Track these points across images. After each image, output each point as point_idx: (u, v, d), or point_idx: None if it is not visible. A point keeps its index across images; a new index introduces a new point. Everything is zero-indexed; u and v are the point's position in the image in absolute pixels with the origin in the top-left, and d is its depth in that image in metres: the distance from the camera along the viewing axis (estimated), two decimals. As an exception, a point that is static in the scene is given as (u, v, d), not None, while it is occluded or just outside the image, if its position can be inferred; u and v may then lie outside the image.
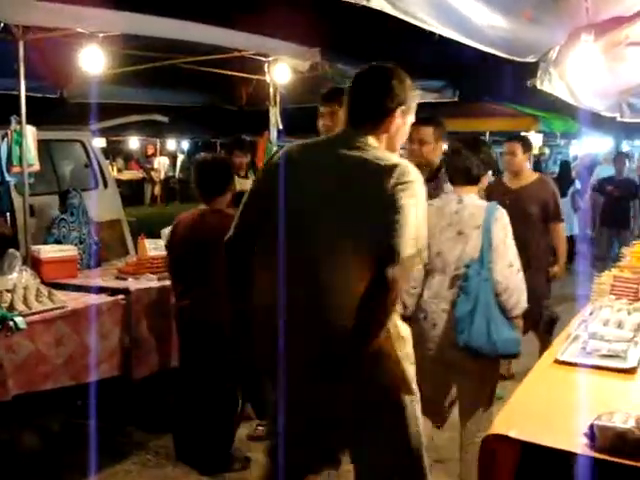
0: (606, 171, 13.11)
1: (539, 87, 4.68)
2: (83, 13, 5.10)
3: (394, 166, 2.72)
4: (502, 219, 3.90)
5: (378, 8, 2.60)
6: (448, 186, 4.15)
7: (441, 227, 3.90)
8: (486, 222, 3.83)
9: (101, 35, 5.69)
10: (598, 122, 13.67)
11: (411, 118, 2.98)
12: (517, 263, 3.89)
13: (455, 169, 4.05)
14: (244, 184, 8.42)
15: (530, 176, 6.66)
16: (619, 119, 7.39)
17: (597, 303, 4.27)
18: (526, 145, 6.71)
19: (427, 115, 4.76)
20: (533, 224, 6.19)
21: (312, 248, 2.79)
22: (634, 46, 4.75)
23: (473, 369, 3.86)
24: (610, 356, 3.32)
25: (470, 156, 3.99)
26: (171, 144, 29.05)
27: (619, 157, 12.16)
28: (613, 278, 4.66)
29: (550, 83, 4.78)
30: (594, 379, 3.11)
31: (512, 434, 2.44)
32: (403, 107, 2.88)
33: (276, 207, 2.79)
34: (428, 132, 4.79)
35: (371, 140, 2.83)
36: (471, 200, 3.96)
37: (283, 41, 5.88)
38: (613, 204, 11.20)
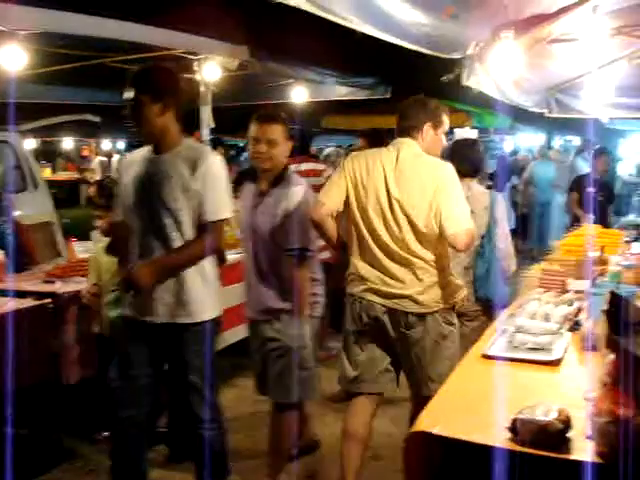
0: (541, 167, 13.34)
1: (464, 83, 4.72)
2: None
3: None
4: (501, 202, 5.00)
5: (294, 5, 2.57)
6: None
7: None
8: (492, 204, 4.84)
9: (22, 33, 5.51)
10: (530, 118, 13.94)
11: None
12: (509, 235, 5.08)
13: (468, 162, 4.79)
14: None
15: None
16: (547, 115, 7.52)
17: (525, 296, 4.32)
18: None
19: (272, 113, 4.43)
20: None
21: None
22: (558, 43, 4.83)
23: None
24: (536, 349, 3.36)
25: (477, 152, 5.15)
26: (106, 144, 28.56)
27: (601, 155, 9.75)
28: (542, 271, 4.73)
29: (476, 79, 4.82)
30: (520, 373, 3.14)
31: (436, 431, 2.43)
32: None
33: None
34: (277, 131, 4.19)
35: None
36: (477, 187, 4.94)
37: (211, 39, 5.79)
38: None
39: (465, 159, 4.84)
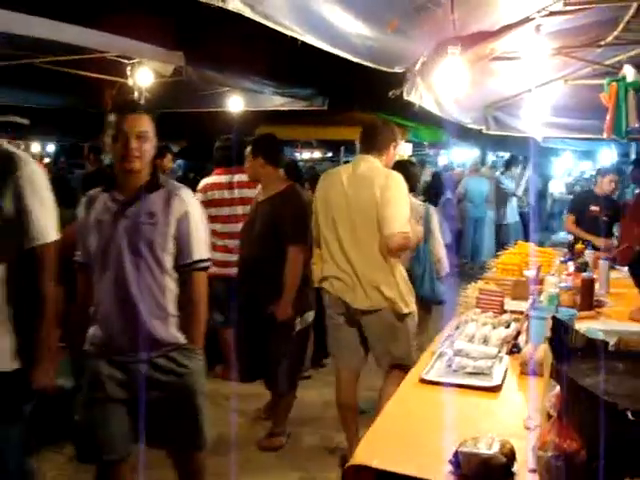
0: (474, 182, 13.42)
1: (406, 98, 4.64)
2: None
3: None
4: (434, 214, 5.83)
5: (235, 10, 2.43)
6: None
7: None
8: (426, 215, 5.64)
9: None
10: (465, 133, 14.05)
11: None
12: (442, 242, 5.86)
13: (406, 179, 4.68)
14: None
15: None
16: (485, 132, 7.53)
17: (463, 317, 4.24)
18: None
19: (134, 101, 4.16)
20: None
21: None
22: (499, 60, 4.80)
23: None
24: (475, 374, 3.28)
25: (414, 171, 6.05)
26: (36, 147, 27.81)
27: (606, 174, 8.55)
28: (479, 291, 4.67)
29: (416, 94, 4.75)
30: (459, 399, 3.05)
31: (375, 464, 2.31)
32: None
33: None
34: (146, 122, 3.34)
35: None
36: (413, 199, 5.24)
37: (145, 43, 5.58)
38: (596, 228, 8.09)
39: (404, 177, 4.74)
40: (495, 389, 3.12)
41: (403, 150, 12.86)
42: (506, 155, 22.41)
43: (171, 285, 3.41)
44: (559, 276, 5.21)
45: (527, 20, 4.01)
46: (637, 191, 9.34)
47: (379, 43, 3.60)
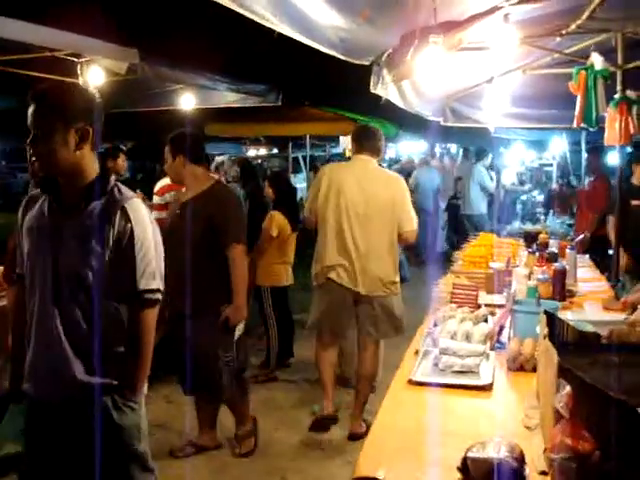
0: (424, 174, 13.41)
1: (373, 91, 4.54)
2: None
3: None
4: None
5: (215, -1, 2.28)
6: None
7: None
8: None
9: None
10: (414, 125, 14.03)
11: None
12: None
13: None
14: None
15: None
16: (442, 123, 7.48)
17: (439, 313, 4.15)
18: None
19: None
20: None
21: None
22: (465, 51, 4.72)
23: None
24: (463, 372, 3.19)
25: None
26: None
27: None
28: (452, 286, 4.59)
29: (382, 87, 4.65)
30: (451, 399, 2.95)
31: (380, 475, 2.20)
32: None
33: None
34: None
35: None
36: None
37: (97, 39, 5.35)
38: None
39: None
40: (486, 388, 3.03)
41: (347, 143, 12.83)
42: (451, 146, 22.64)
43: (106, 317, 2.71)
44: (530, 267, 5.15)
45: (496, 9, 3.93)
46: (591, 179, 9.37)
47: (350, 34, 3.49)
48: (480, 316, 4.04)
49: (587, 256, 6.95)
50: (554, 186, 13.76)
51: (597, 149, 9.09)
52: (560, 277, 4.73)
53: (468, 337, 3.59)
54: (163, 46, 6.00)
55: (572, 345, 2.78)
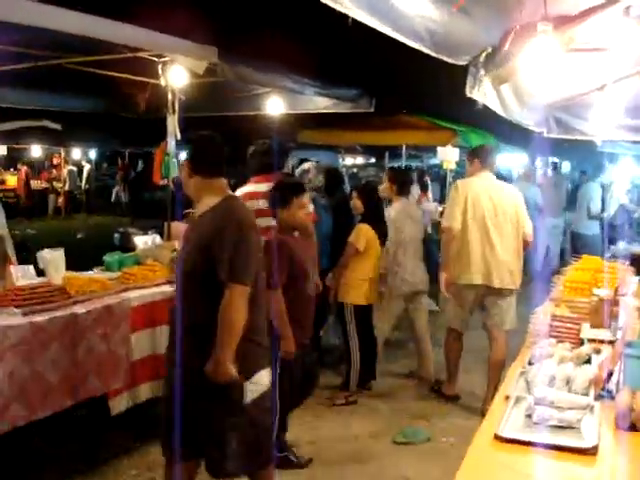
0: (527, 189, 12.72)
1: (468, 95, 4.03)
2: None
3: None
4: None
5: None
6: None
7: None
8: None
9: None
10: (514, 137, 13.33)
11: None
12: None
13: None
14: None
15: None
16: (546, 135, 6.88)
17: (535, 349, 3.63)
18: None
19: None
20: None
21: None
22: (575, 52, 4.17)
23: None
24: (562, 427, 2.67)
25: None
26: (76, 153, 27.64)
27: None
28: (551, 317, 4.04)
29: (480, 91, 4.14)
30: (546, 464, 2.44)
31: None
32: None
33: None
34: None
35: None
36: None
37: (176, 37, 5.04)
38: None
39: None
40: (590, 451, 2.50)
41: (450, 155, 12.21)
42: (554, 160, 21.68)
43: None
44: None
45: (615, 1, 3.39)
46: None
47: (442, 26, 3.01)
48: (583, 355, 3.52)
49: None
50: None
51: None
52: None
53: (569, 382, 3.07)
54: (245, 46, 5.65)
55: None
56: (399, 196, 6.98)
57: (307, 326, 4.79)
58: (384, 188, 7.04)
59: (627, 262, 6.62)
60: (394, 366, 7.28)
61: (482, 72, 3.93)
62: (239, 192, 6.07)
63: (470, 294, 6.12)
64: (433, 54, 3.19)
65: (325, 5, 2.36)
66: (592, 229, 11.51)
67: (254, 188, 5.94)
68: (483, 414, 5.03)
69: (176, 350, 3.52)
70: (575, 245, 11.67)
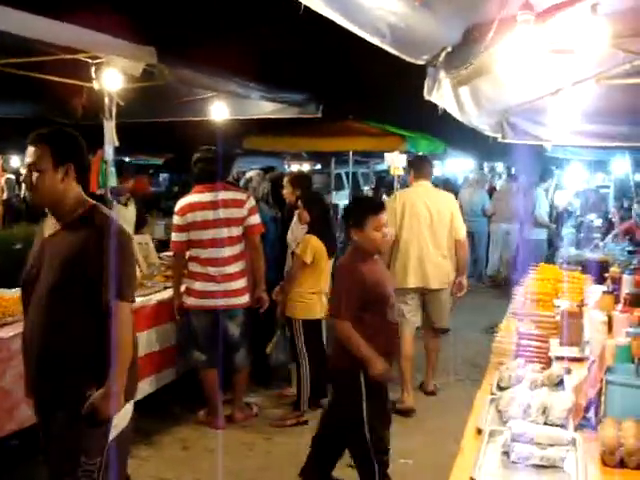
0: (475, 194, 12.61)
1: (427, 97, 3.75)
2: None
3: None
4: None
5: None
6: None
7: None
8: None
9: None
10: (464, 142, 13.20)
11: None
12: None
13: None
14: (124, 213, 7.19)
15: None
16: (500, 140, 6.66)
17: (505, 370, 3.37)
18: None
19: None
20: None
21: None
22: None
23: None
24: (544, 466, 2.40)
25: None
26: (15, 161, 26.75)
27: None
28: (518, 335, 3.79)
29: (439, 93, 3.86)
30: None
31: None
32: None
33: None
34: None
35: None
36: None
37: (109, 36, 4.64)
38: None
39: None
40: (578, 495, 2.23)
41: (397, 161, 11.98)
42: (498, 165, 21.69)
43: None
44: (606, 311, 4.32)
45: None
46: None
47: (404, 21, 2.72)
48: (554, 376, 3.26)
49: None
50: (612, 209, 12.81)
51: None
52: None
53: (545, 411, 2.80)
54: (186, 48, 5.30)
55: None
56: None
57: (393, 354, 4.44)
58: (286, 193, 6.65)
59: (579, 268, 6.47)
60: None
61: (441, 73, 3.66)
62: (180, 202, 5.73)
63: (411, 297, 6.45)
64: (393, 51, 2.89)
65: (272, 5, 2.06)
66: (539, 235, 11.39)
67: (197, 198, 5.64)
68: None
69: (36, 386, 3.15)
70: (524, 251, 11.51)
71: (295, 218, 6.43)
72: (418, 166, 6.83)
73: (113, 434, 3.08)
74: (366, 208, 4.26)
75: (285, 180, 6.76)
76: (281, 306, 6.09)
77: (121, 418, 3.10)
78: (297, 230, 6.33)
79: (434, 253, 6.39)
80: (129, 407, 3.18)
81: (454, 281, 6.53)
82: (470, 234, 11.12)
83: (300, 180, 6.79)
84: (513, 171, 14.53)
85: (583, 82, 5.45)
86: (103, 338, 2.99)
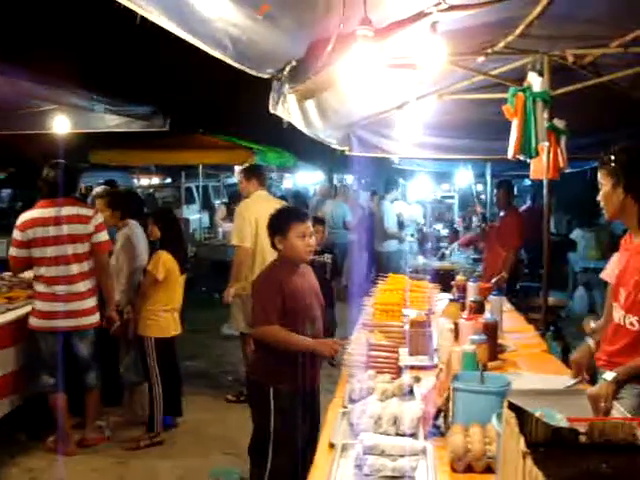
0: (337, 207, 12.72)
1: (272, 111, 3.73)
2: None
3: None
4: None
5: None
6: None
7: None
8: None
9: None
10: (314, 155, 13.35)
11: None
12: None
13: None
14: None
15: None
16: (348, 153, 6.76)
17: (355, 382, 3.38)
18: None
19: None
20: None
21: None
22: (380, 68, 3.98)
23: None
24: (396, 477, 2.41)
25: None
26: None
27: None
28: (368, 346, 3.81)
29: (284, 107, 3.85)
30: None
31: None
32: None
33: None
34: None
35: None
36: None
37: None
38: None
39: None
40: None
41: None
42: (348, 177, 22.06)
43: None
44: (453, 318, 4.44)
45: (423, 15, 3.22)
46: (501, 214, 8.77)
47: (246, 33, 2.69)
48: (404, 386, 3.30)
49: (504, 298, 6.31)
50: (457, 219, 13.31)
51: (507, 183, 8.53)
52: (492, 333, 4.03)
53: (396, 422, 2.82)
54: (21, 58, 5.03)
55: (544, 447, 2.05)
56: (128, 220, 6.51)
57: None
58: (106, 217, 6.09)
59: (427, 277, 6.62)
60: (200, 399, 6.84)
61: (286, 87, 3.64)
62: (23, 217, 5.46)
63: None
64: (236, 64, 2.84)
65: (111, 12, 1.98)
66: (389, 247, 11.49)
67: (39, 214, 5.39)
68: None
69: None
70: (378, 264, 11.65)
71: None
72: (259, 175, 6.82)
73: None
74: (289, 215, 4.17)
75: (98, 202, 6.53)
76: (133, 324, 5.92)
77: None
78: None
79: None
80: None
81: None
82: (333, 245, 11.29)
83: (117, 199, 6.63)
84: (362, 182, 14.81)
85: (426, 97, 5.64)
86: None
